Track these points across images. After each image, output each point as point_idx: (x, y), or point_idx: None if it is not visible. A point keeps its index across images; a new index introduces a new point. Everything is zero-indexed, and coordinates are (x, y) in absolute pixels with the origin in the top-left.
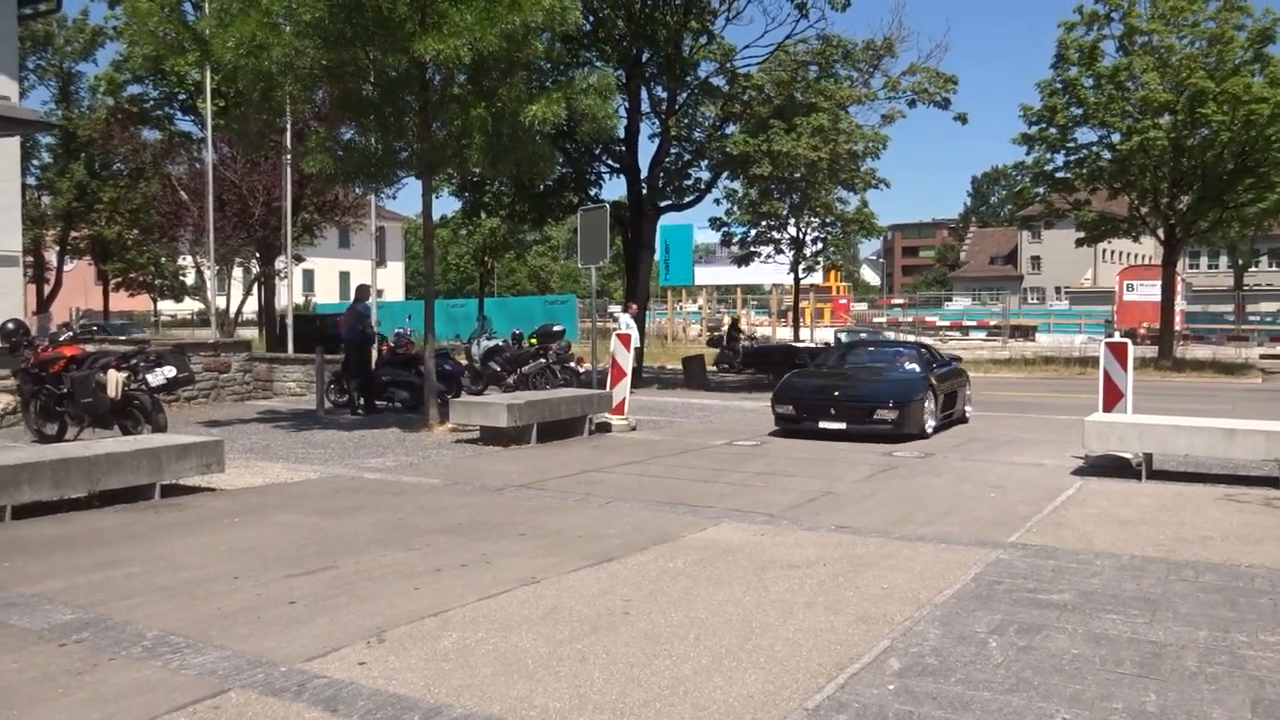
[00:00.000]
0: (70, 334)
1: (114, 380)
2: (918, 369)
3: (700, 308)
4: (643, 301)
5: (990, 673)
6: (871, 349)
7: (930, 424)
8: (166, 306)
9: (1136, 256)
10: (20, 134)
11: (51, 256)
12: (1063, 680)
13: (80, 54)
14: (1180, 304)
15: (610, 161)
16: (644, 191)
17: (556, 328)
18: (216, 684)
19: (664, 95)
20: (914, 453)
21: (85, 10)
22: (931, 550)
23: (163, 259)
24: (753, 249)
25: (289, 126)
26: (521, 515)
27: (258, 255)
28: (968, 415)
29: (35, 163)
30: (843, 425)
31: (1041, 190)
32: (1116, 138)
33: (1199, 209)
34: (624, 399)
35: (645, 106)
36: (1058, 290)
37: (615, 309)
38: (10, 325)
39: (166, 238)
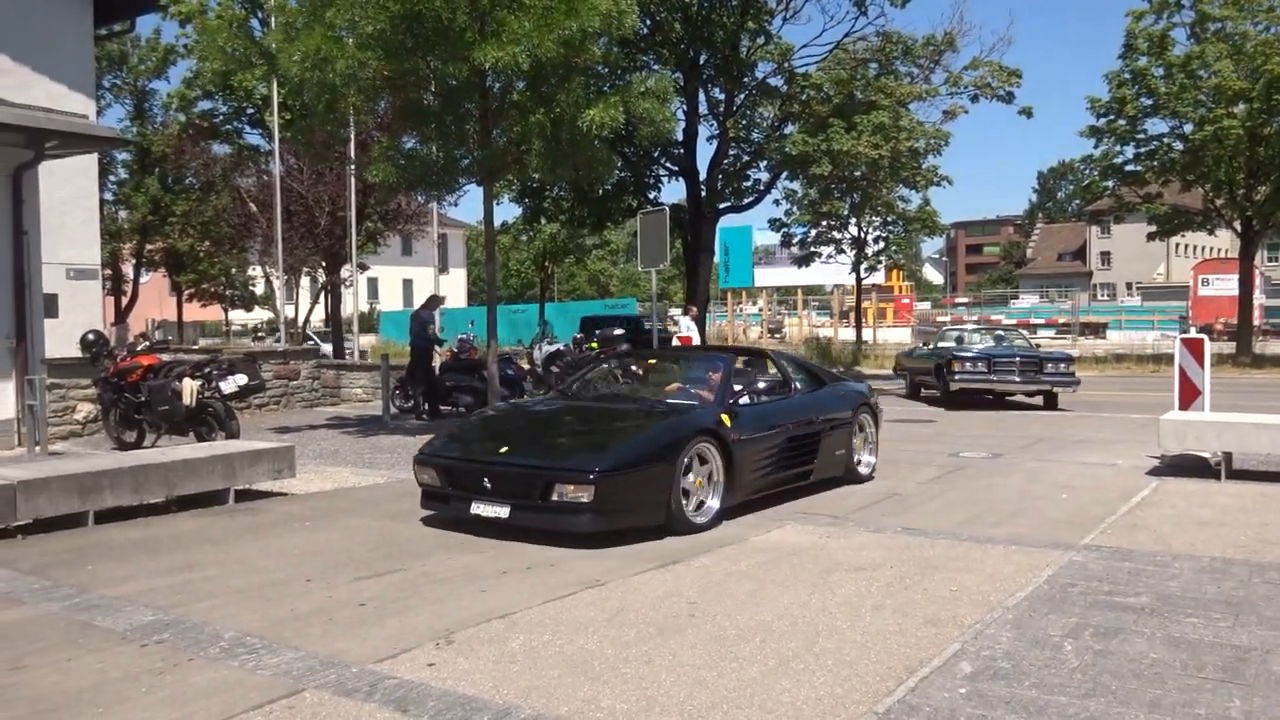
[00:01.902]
0: (147, 344)
1: (188, 388)
2: (703, 398)
3: (760, 309)
4: (702, 304)
5: (1065, 677)
6: (665, 361)
7: (702, 506)
8: (237, 316)
9: (1211, 250)
10: (98, 151)
11: (128, 269)
12: (1142, 685)
13: (153, 72)
14: (1258, 298)
15: (669, 164)
16: (703, 194)
17: (617, 332)
18: (291, 684)
19: (722, 97)
20: (983, 453)
21: (158, 30)
22: (1002, 552)
23: (233, 270)
24: (813, 249)
25: (353, 137)
26: None
27: (324, 264)
28: (861, 469)
29: (112, 178)
30: (502, 511)
31: (1111, 184)
32: (1189, 128)
33: (1277, 199)
34: None
35: (703, 108)
36: (1129, 286)
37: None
38: (91, 336)
39: (236, 249)
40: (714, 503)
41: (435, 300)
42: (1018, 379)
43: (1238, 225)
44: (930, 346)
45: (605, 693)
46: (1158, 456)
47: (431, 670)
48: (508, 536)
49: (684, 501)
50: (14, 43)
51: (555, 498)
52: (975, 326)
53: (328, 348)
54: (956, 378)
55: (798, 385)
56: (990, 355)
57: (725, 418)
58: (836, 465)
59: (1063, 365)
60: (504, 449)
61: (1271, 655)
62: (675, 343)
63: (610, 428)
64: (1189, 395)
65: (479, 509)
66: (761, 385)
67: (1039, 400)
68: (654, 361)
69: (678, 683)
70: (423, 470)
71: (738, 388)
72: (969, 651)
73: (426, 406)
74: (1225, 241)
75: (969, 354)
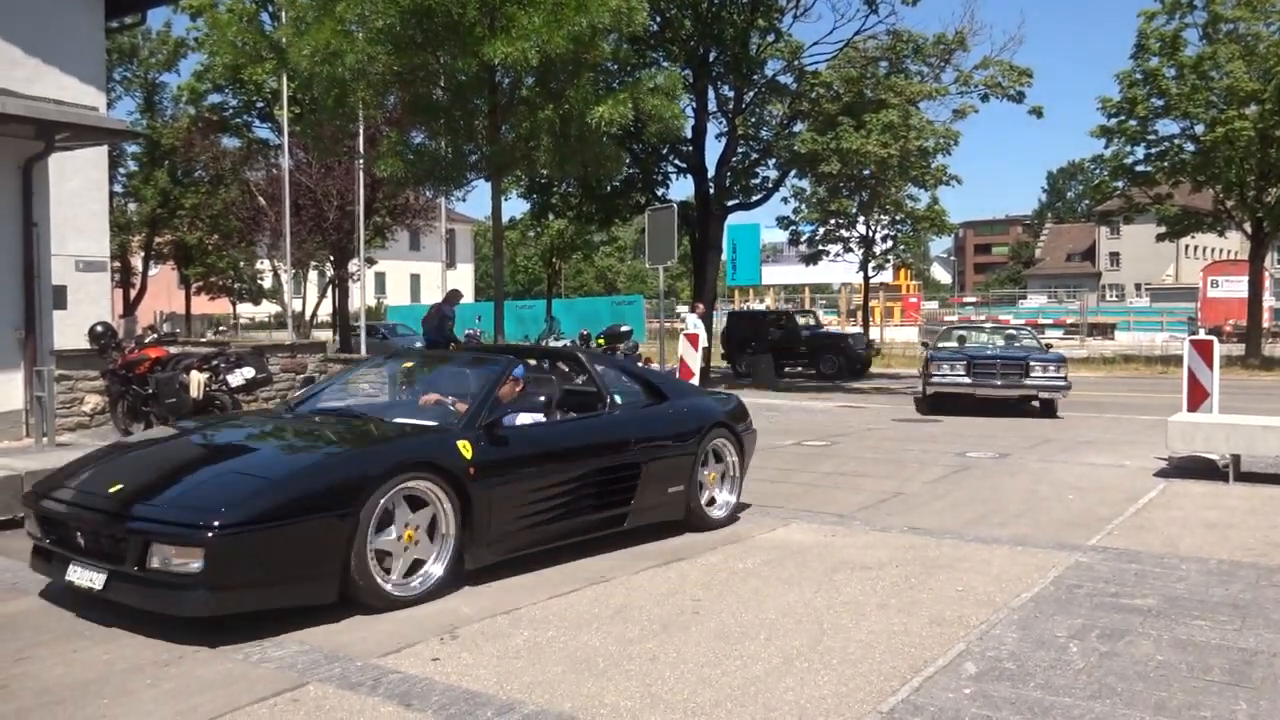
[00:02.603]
0: (155, 336)
1: (196, 381)
2: (452, 415)
3: (768, 307)
4: (710, 301)
5: (1071, 678)
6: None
7: (417, 571)
8: (245, 309)
9: (1221, 252)
10: (108, 143)
11: (137, 261)
12: (1148, 687)
13: (164, 65)
14: (1268, 300)
15: (677, 161)
16: (711, 191)
17: (624, 328)
18: (295, 677)
19: (731, 94)
20: (989, 453)
21: (169, 23)
22: (1008, 553)
23: (241, 263)
24: (821, 247)
25: (362, 131)
26: None
27: (331, 258)
28: (713, 511)
29: (121, 171)
30: (98, 580)
31: (1121, 184)
32: (1200, 129)
33: None
34: None
35: (712, 106)
36: (1138, 287)
37: (682, 309)
38: (99, 328)
39: (245, 242)
40: (435, 568)
41: (455, 295)
42: (999, 383)
43: (1248, 227)
44: (932, 346)
45: (609, 689)
46: (1165, 458)
47: (435, 665)
48: None
49: (375, 567)
50: (26, 35)
51: (155, 563)
52: (981, 325)
53: (402, 341)
54: (933, 381)
55: (616, 399)
56: (970, 357)
57: (464, 445)
58: (669, 506)
59: (1051, 368)
60: (116, 487)
61: (1278, 658)
62: (682, 341)
63: (281, 460)
64: (1197, 397)
65: (75, 574)
66: (554, 399)
67: (1036, 406)
68: (433, 365)
69: (681, 680)
70: (29, 517)
71: (523, 401)
72: (974, 652)
73: None
74: (1235, 243)
75: (945, 355)
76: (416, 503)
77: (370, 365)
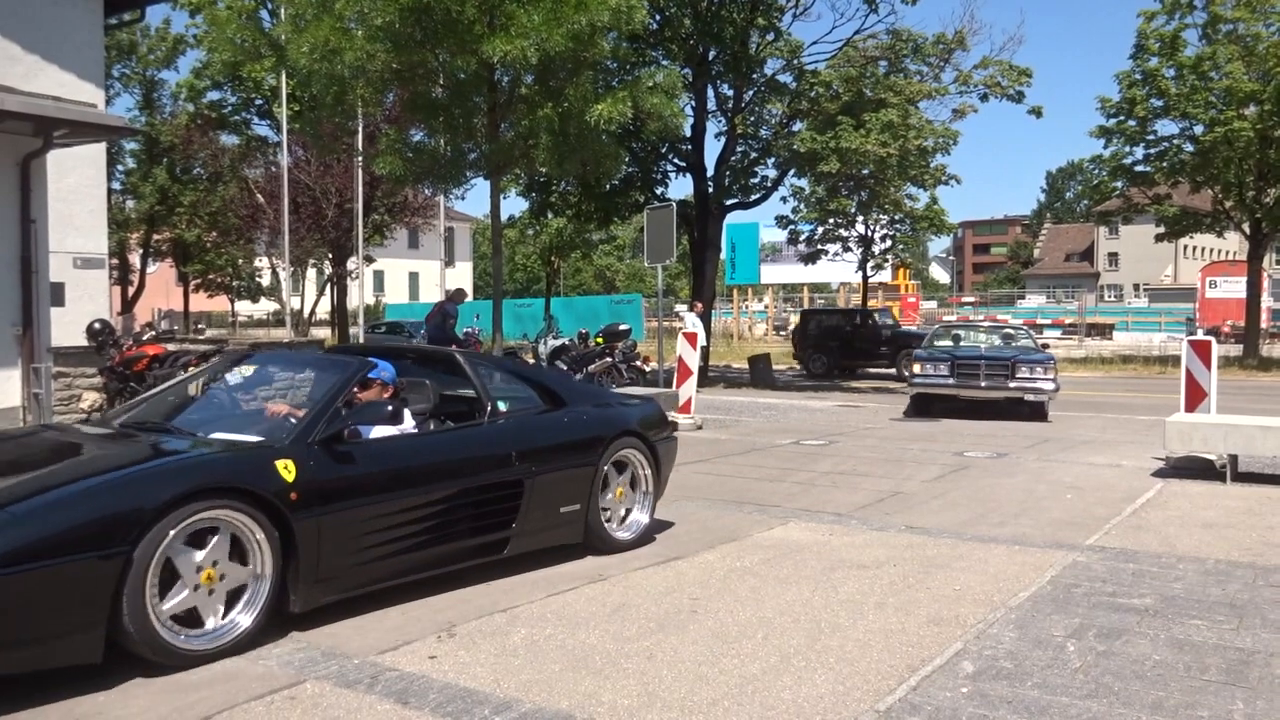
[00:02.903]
0: (153, 333)
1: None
2: (285, 427)
3: (766, 307)
4: (708, 300)
5: (1068, 677)
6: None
7: (225, 621)
8: (243, 307)
9: (1219, 252)
10: (107, 140)
11: (135, 259)
12: (1144, 686)
13: (162, 62)
14: (1266, 300)
15: (676, 160)
16: (710, 190)
17: (623, 327)
18: (293, 675)
19: (730, 93)
20: (987, 452)
21: (167, 19)
22: (1005, 552)
23: (240, 260)
24: (820, 247)
25: (361, 129)
26: None
27: (330, 256)
28: (618, 532)
29: (120, 168)
30: None
31: (1120, 184)
32: (1199, 129)
33: None
34: (690, 398)
35: (711, 105)
36: (1136, 288)
37: (681, 308)
38: (97, 325)
39: (243, 239)
40: (244, 617)
41: (460, 294)
42: (983, 384)
43: (1247, 228)
44: (923, 344)
45: (606, 687)
46: (1163, 458)
47: (433, 663)
48: None
49: (159, 617)
50: (24, 31)
51: None
52: (977, 324)
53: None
54: (916, 381)
55: (499, 406)
56: (954, 357)
57: (285, 465)
58: (564, 528)
59: (1038, 370)
60: None
61: (1275, 658)
62: (680, 340)
63: (36, 489)
64: (1195, 397)
65: None
66: (429, 407)
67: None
68: (283, 369)
69: (679, 678)
70: None
71: (380, 411)
72: (971, 651)
73: None
74: (1234, 244)
75: (929, 354)
76: (211, 536)
77: (218, 368)
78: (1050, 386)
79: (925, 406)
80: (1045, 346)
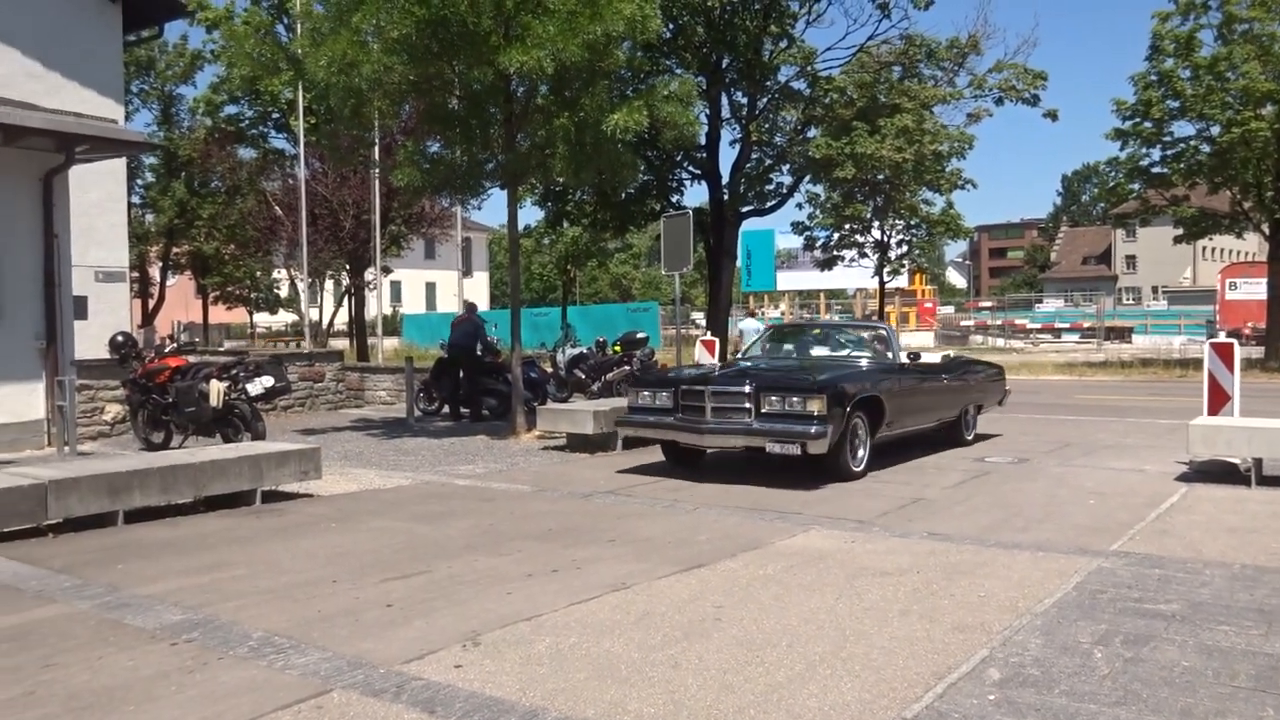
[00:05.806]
0: (174, 345)
1: (215, 390)
2: None
3: (783, 313)
4: (725, 308)
5: (1096, 684)
6: None
7: None
8: (262, 319)
9: (1239, 254)
10: (126, 155)
11: (155, 272)
12: (1173, 693)
13: (180, 77)
14: None
15: (691, 168)
16: (725, 197)
17: (640, 335)
18: (319, 684)
19: (744, 100)
20: (1008, 458)
21: (185, 35)
22: (1029, 558)
23: (258, 273)
24: (836, 253)
25: (378, 141)
26: (609, 521)
27: (348, 267)
28: None
29: (139, 182)
30: None
31: (1137, 186)
32: (1216, 130)
33: None
34: None
35: (726, 112)
36: (1155, 290)
37: (697, 315)
38: (119, 338)
39: (262, 252)
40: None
41: (473, 306)
42: (708, 427)
43: (1266, 228)
44: (741, 354)
45: (632, 696)
46: (1186, 462)
47: (459, 672)
48: (532, 540)
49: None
50: (45, 49)
51: None
52: (813, 324)
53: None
54: (629, 419)
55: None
56: (681, 382)
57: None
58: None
59: (796, 405)
60: None
61: None
62: (698, 347)
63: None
64: (1218, 400)
65: None
66: None
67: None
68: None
69: (704, 687)
70: None
71: None
72: (998, 658)
73: (466, 410)
74: (1253, 245)
75: (652, 379)
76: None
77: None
78: (814, 432)
79: (677, 455)
80: (916, 357)
